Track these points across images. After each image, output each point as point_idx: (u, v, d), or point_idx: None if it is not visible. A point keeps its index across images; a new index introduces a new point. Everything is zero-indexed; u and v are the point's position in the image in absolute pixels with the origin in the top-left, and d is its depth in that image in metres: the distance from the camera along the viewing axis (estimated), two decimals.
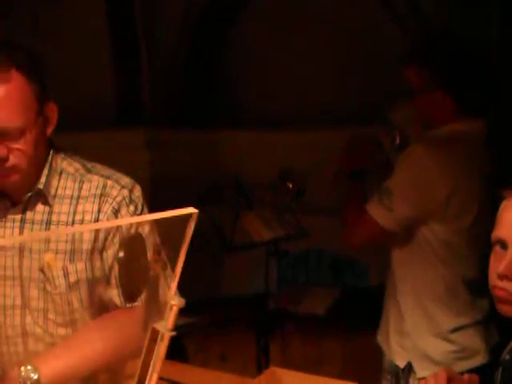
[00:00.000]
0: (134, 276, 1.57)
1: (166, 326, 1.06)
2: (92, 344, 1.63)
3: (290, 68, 4.83)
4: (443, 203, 2.30)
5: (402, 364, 2.40)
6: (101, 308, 1.71)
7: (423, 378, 1.51)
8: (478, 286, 2.44)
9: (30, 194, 1.67)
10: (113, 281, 1.68)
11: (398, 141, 2.57)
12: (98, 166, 1.75)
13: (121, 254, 1.55)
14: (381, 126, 2.64)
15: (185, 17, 4.92)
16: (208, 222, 2.83)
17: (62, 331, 1.67)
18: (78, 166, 1.73)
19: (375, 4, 4.61)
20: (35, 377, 1.45)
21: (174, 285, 1.05)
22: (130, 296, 1.56)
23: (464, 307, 2.40)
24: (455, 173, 2.32)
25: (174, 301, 1.04)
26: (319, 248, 3.85)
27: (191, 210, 1.03)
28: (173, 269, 1.06)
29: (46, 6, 4.81)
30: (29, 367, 1.49)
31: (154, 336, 1.06)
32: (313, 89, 4.71)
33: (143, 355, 1.08)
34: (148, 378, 1.08)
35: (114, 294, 1.68)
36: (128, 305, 1.65)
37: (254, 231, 2.85)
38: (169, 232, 1.08)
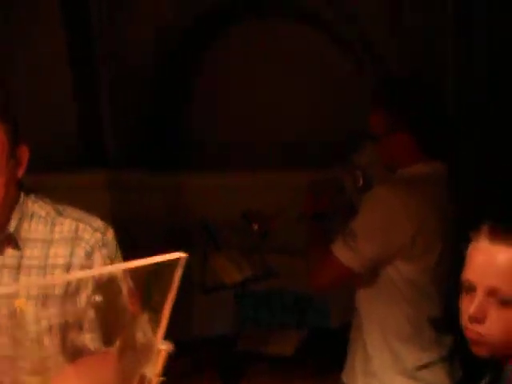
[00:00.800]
0: (110, 319, 1.58)
1: (154, 370, 1.06)
2: None
3: (252, 108, 4.88)
4: (408, 243, 2.35)
5: None
6: (74, 354, 1.68)
7: None
8: (441, 324, 2.50)
9: (0, 238, 1.64)
10: (86, 325, 1.66)
11: (360, 182, 2.63)
12: (69, 209, 1.74)
13: (97, 298, 1.56)
14: (343, 167, 2.71)
15: (147, 57, 4.95)
16: None
17: (33, 380, 1.63)
18: (49, 208, 1.72)
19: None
20: None
21: (161, 330, 1.06)
22: (107, 340, 1.57)
23: (429, 344, 2.44)
24: (419, 213, 2.38)
25: (162, 345, 1.05)
26: (281, 288, 3.86)
27: (180, 254, 1.05)
28: (159, 313, 1.07)
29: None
30: None
31: (142, 382, 1.07)
32: (276, 129, 4.77)
33: None
34: None
35: (88, 339, 1.66)
36: (102, 349, 1.64)
37: (224, 274, 2.87)
38: (155, 275, 1.10)
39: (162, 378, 1.07)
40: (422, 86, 2.67)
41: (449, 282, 2.47)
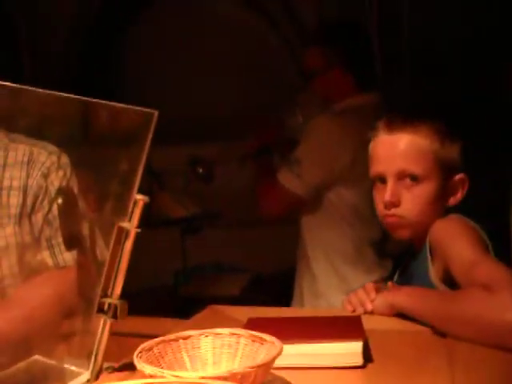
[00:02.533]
0: (72, 222, 1.60)
1: (131, 222, 1.10)
2: (27, 303, 1.61)
3: (180, 81, 4.85)
4: (348, 167, 2.45)
5: None
6: (30, 273, 1.70)
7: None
8: (381, 248, 2.62)
9: None
10: (44, 243, 1.67)
11: (300, 119, 2.72)
12: (21, 137, 1.73)
13: (60, 204, 1.58)
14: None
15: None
16: None
17: None
18: (1, 135, 1.70)
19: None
20: None
21: (137, 182, 1.10)
22: (71, 243, 1.59)
23: (372, 266, 2.55)
24: (357, 138, 2.48)
25: (139, 196, 1.09)
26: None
27: (152, 110, 1.09)
28: (134, 169, 1.10)
29: None
30: None
31: (119, 235, 1.10)
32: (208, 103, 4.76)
33: (108, 257, 1.12)
34: (114, 278, 1.12)
35: (46, 255, 1.67)
36: (61, 264, 1.66)
37: (170, 210, 2.90)
38: (125, 131, 1.12)
39: (138, 230, 1.11)
40: (355, 25, 2.78)
41: None
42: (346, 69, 2.56)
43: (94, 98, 1.11)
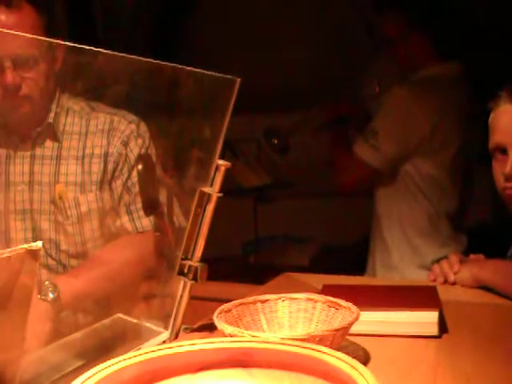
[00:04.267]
0: (150, 188, 1.65)
1: (213, 187, 1.12)
2: (109, 263, 1.67)
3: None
4: (427, 138, 2.42)
5: None
6: (110, 238, 1.75)
7: None
8: (458, 222, 2.58)
9: (39, 130, 1.68)
10: (123, 209, 1.72)
11: (377, 89, 2.69)
12: (102, 105, 1.78)
13: (139, 171, 1.63)
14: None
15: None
16: None
17: (74, 262, 1.69)
18: (82, 104, 1.75)
19: None
20: (54, 294, 1.48)
21: (218, 147, 1.12)
22: (149, 209, 1.64)
23: (447, 240, 2.52)
24: (436, 109, 2.44)
25: (220, 161, 1.11)
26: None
27: (232, 77, 1.10)
28: (216, 135, 1.12)
29: None
30: (47, 283, 1.52)
31: (201, 200, 1.13)
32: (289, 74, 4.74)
33: (190, 220, 1.15)
34: (195, 241, 1.15)
35: (125, 221, 1.72)
36: (139, 230, 1.71)
37: (242, 179, 2.92)
38: (206, 97, 1.14)
39: (219, 194, 1.13)
40: None
41: (464, 180, 2.56)
42: (425, 36, 2.50)
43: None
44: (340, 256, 3.45)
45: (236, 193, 3.05)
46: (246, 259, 3.45)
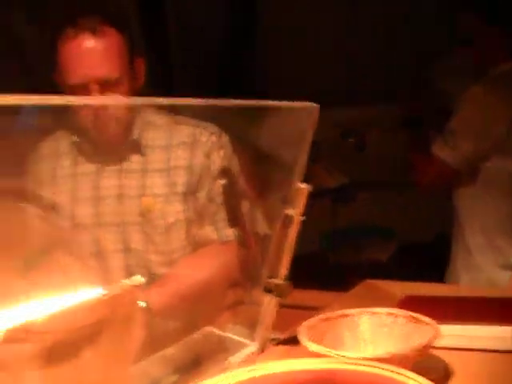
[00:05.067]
0: (234, 201, 1.71)
1: (296, 210, 1.18)
2: (196, 272, 1.73)
3: (337, 44, 4.85)
4: (505, 134, 2.40)
5: None
6: (196, 247, 1.81)
7: None
8: None
9: (125, 146, 1.77)
10: (207, 219, 1.79)
11: (452, 87, 2.68)
12: (183, 118, 1.85)
13: (222, 182, 1.69)
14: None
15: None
16: None
17: (161, 270, 1.76)
18: (166, 118, 1.83)
19: None
20: (143, 304, 1.56)
21: (300, 172, 1.17)
22: (233, 219, 1.69)
23: None
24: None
25: (303, 185, 1.17)
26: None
27: (311, 104, 1.15)
28: (298, 158, 1.18)
29: None
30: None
31: (285, 222, 1.19)
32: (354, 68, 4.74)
33: (274, 241, 1.21)
34: (279, 264, 1.21)
35: (210, 230, 1.79)
36: (223, 239, 1.77)
37: (321, 181, 2.97)
38: (285, 127, 1.19)
39: (303, 217, 1.19)
40: None
41: None
42: (502, 34, 2.48)
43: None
44: (420, 253, 3.45)
45: (315, 195, 3.08)
46: (325, 256, 3.48)
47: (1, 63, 2.85)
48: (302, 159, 1.17)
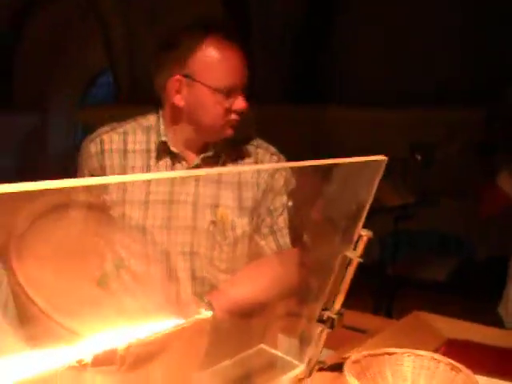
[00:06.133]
0: (297, 222, 1.80)
1: (355, 253, 1.27)
2: (257, 279, 1.82)
3: (400, 45, 4.86)
4: None
5: None
6: (257, 257, 1.90)
7: None
8: None
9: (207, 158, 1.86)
10: (265, 230, 1.88)
11: None
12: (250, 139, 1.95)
13: (290, 203, 1.79)
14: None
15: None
16: None
17: (223, 277, 1.85)
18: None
19: None
20: (210, 313, 1.66)
21: (362, 218, 1.26)
22: (297, 238, 1.79)
23: None
24: None
25: (363, 232, 1.26)
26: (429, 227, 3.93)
27: (380, 156, 1.23)
28: (363, 205, 1.26)
29: None
30: (205, 301, 1.70)
31: (344, 262, 1.28)
32: (423, 68, 4.72)
33: (332, 279, 1.30)
34: (334, 298, 1.31)
35: (270, 240, 1.88)
36: (283, 247, 1.86)
37: (386, 198, 3.03)
38: (354, 176, 1.28)
39: (361, 260, 1.28)
40: None
41: None
42: None
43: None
44: (480, 273, 3.46)
45: (376, 211, 3.14)
46: (384, 268, 3.52)
47: None
48: (366, 206, 1.25)
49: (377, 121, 4.66)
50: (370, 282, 3.35)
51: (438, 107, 4.38)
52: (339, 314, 1.34)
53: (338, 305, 1.33)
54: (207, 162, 1.87)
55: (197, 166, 1.87)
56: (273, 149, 1.93)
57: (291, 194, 1.88)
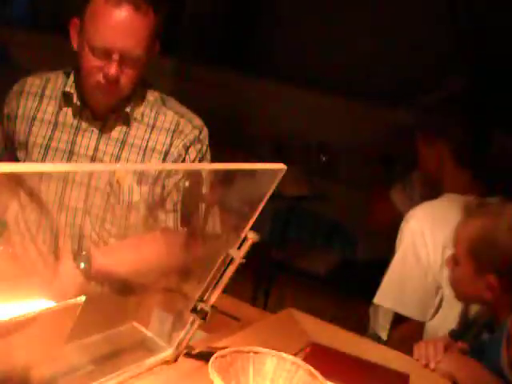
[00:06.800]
0: (190, 204, 1.81)
1: (239, 253, 1.30)
2: (142, 251, 1.80)
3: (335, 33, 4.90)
4: None
5: (384, 337, 2.65)
6: (152, 229, 1.88)
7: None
8: None
9: (115, 115, 1.81)
10: (170, 205, 1.85)
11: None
12: (173, 101, 1.90)
13: (186, 184, 1.79)
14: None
15: None
16: None
17: (112, 242, 1.83)
18: (156, 95, 1.87)
19: None
20: (85, 265, 1.66)
21: (250, 222, 1.29)
22: (183, 221, 1.80)
23: None
24: None
25: (250, 234, 1.29)
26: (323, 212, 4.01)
27: (280, 165, 1.26)
28: (252, 211, 1.29)
29: None
30: (84, 253, 1.70)
31: (227, 260, 1.31)
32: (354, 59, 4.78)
33: (211, 274, 1.33)
34: (210, 292, 1.34)
35: (170, 218, 1.85)
36: (179, 230, 1.85)
37: (285, 186, 3.07)
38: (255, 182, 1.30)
39: (243, 260, 1.31)
40: None
41: None
42: None
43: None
44: (359, 271, 3.58)
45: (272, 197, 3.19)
46: (269, 251, 3.56)
47: None
48: (257, 212, 1.29)
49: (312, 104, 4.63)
50: (253, 261, 3.40)
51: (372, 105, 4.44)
52: (213, 307, 1.38)
53: (213, 298, 1.37)
54: (115, 123, 1.83)
55: (103, 123, 1.82)
56: (197, 120, 1.88)
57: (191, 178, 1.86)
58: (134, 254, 1.83)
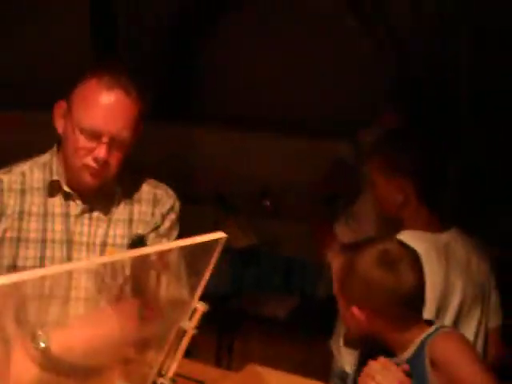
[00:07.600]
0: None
1: (190, 324, 1.33)
2: (100, 324, 1.82)
3: (273, 69, 5.00)
4: None
5: (349, 369, 2.67)
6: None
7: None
8: None
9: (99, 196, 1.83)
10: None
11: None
12: (145, 174, 1.95)
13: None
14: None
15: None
16: None
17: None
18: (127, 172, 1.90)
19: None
20: (44, 345, 1.64)
21: (199, 292, 1.31)
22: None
23: None
24: None
25: (199, 305, 1.31)
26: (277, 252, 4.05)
27: (220, 234, 1.29)
28: (198, 282, 1.32)
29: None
30: (40, 332, 1.68)
31: (179, 333, 1.33)
32: (293, 95, 4.88)
33: (167, 348, 1.35)
34: (169, 365, 1.35)
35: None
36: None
37: (233, 238, 3.11)
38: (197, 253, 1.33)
39: (195, 331, 1.33)
40: None
41: None
42: None
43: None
44: (319, 312, 3.61)
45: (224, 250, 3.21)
46: (226, 304, 3.59)
47: None
48: (203, 282, 1.31)
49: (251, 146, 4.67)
50: (215, 316, 3.41)
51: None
52: (173, 380, 1.39)
53: (171, 372, 1.38)
54: (101, 202, 1.85)
55: (90, 205, 1.84)
56: (170, 191, 1.93)
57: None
58: (92, 329, 1.82)
